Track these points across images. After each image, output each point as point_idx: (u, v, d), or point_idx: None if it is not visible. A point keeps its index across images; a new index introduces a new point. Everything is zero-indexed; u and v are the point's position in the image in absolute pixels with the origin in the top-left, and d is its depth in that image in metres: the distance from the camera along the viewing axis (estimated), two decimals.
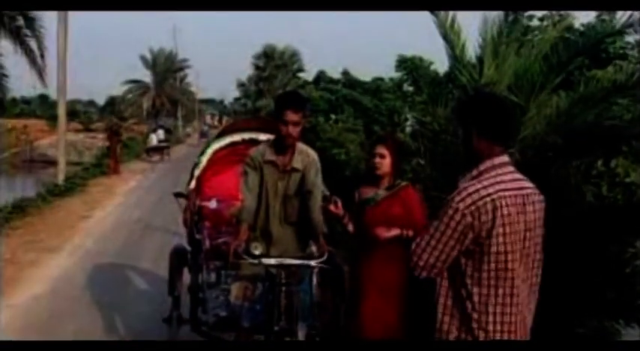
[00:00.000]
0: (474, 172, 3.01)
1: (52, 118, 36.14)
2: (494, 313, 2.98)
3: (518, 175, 3.06)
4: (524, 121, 5.29)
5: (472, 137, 3.04)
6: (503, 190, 2.93)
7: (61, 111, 21.12)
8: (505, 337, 3.01)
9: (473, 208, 2.88)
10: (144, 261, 8.92)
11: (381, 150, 4.60)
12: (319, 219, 4.89)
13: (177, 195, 6.03)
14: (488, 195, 2.89)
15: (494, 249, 2.92)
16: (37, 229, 12.45)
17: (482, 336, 3.01)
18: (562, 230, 4.49)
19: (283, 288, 4.61)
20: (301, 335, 4.82)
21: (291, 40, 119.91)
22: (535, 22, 8.59)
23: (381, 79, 19.26)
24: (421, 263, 3.03)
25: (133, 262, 9.37)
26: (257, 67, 57.06)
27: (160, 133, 34.29)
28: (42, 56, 18.25)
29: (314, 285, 5.21)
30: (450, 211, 2.93)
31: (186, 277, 5.78)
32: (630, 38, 7.79)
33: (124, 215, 14.68)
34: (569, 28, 7.86)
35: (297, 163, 4.86)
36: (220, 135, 6.17)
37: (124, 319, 6.88)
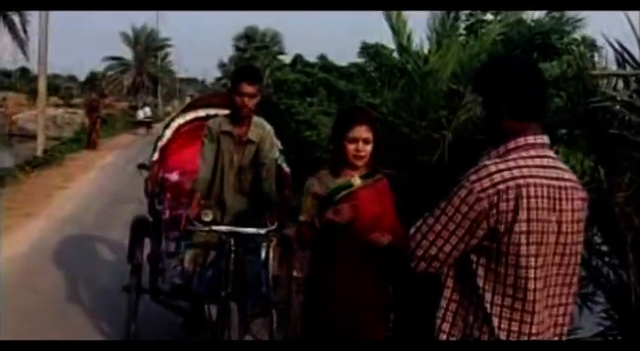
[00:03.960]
0: (501, 150, 2.43)
1: (32, 92, 36.34)
2: (509, 331, 2.38)
3: (558, 163, 2.48)
4: (461, 106, 5.82)
5: (500, 113, 2.46)
6: (533, 175, 2.36)
7: (42, 85, 21.48)
8: None
9: (491, 191, 2.33)
10: (114, 229, 9.29)
11: (366, 133, 3.76)
12: (272, 190, 5.07)
13: (141, 166, 6.10)
14: (513, 178, 2.33)
15: (513, 250, 2.34)
16: (16, 198, 12.93)
17: None
18: None
19: (232, 255, 4.69)
20: (249, 305, 4.98)
21: (272, 22, 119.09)
22: (489, 17, 9.11)
23: (357, 64, 19.67)
24: (419, 253, 2.46)
25: (104, 229, 9.87)
26: (238, 49, 57.24)
27: (147, 109, 38.29)
28: (24, 31, 18.55)
29: (270, 257, 5.34)
30: (463, 192, 2.37)
31: (148, 246, 5.92)
32: (577, 35, 8.30)
33: (100, 187, 15.17)
34: (520, 22, 8.37)
35: (252, 135, 5.03)
36: (185, 110, 6.25)
37: (89, 281, 7.44)
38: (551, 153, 2.46)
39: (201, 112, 5.93)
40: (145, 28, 63.45)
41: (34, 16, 19.42)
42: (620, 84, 3.97)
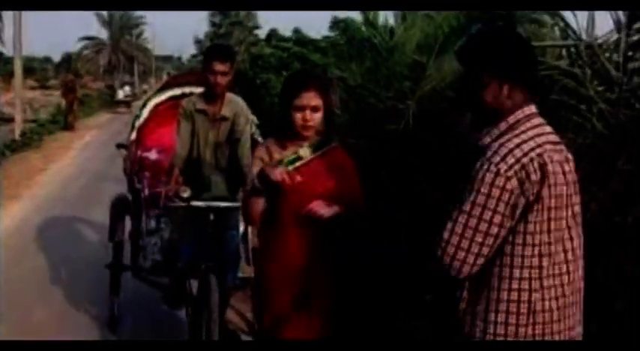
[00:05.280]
0: (502, 126, 2.32)
1: (7, 75, 36.11)
2: (527, 314, 2.26)
3: (550, 129, 2.39)
4: (424, 77, 6.08)
5: (494, 86, 2.31)
6: (544, 143, 2.28)
7: (17, 68, 21.48)
8: None
9: (517, 167, 2.20)
10: (95, 208, 9.45)
11: (315, 100, 3.32)
12: (248, 164, 4.90)
13: (119, 146, 6.24)
14: (532, 149, 2.24)
15: (540, 217, 2.22)
16: None
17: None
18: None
19: (211, 229, 4.76)
20: (230, 278, 4.98)
21: None
22: None
23: (329, 37, 19.89)
24: (461, 256, 2.24)
25: (85, 209, 10.06)
26: (213, 24, 56.97)
27: (127, 88, 40.58)
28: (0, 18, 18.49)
29: (249, 230, 5.28)
30: (489, 177, 2.21)
31: (129, 225, 5.98)
32: None
33: (80, 168, 15.34)
34: None
35: (226, 112, 5.06)
36: (161, 89, 6.30)
37: (72, 259, 7.62)
38: (542, 120, 2.37)
39: (177, 91, 5.97)
40: None
41: None
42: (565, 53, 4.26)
